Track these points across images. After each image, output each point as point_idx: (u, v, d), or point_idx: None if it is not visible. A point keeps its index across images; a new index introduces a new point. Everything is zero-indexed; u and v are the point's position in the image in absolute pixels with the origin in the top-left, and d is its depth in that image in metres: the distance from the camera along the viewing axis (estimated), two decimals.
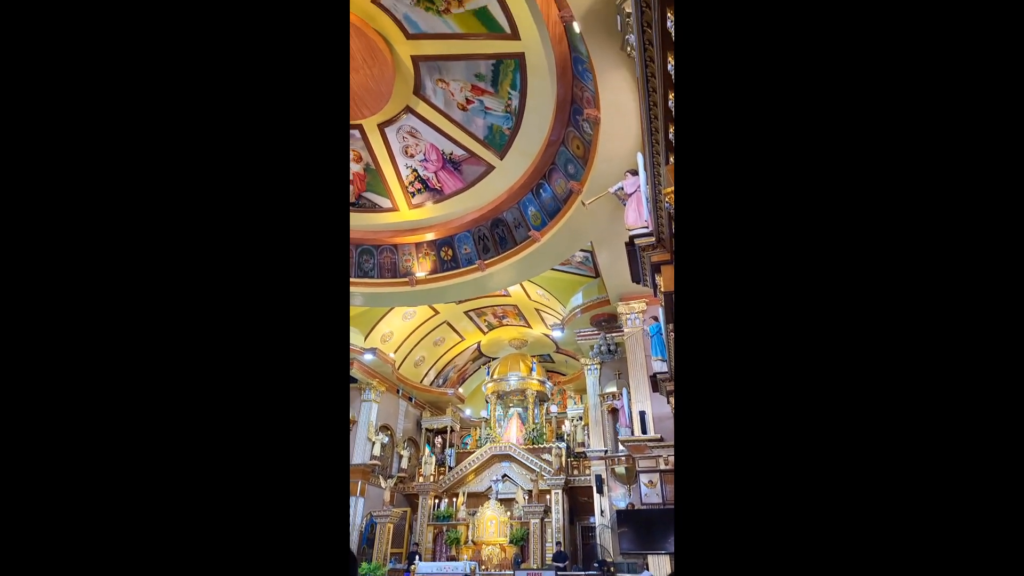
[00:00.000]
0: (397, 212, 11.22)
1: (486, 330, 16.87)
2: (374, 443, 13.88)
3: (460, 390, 18.44)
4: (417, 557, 11.93)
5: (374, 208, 11.16)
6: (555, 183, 9.54)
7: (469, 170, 10.23)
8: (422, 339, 15.90)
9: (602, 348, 12.26)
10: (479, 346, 17.73)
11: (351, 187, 10.66)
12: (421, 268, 11.73)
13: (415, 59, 8.20)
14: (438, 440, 15.66)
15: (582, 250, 10.89)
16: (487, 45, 7.79)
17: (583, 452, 12.96)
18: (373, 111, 8.93)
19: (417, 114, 9.22)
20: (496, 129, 9.23)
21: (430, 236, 11.50)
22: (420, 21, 7.58)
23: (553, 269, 11.68)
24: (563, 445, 13.36)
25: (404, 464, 15.37)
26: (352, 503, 12.84)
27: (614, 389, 12.05)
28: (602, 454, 11.69)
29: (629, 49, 5.95)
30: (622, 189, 6.07)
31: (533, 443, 14.47)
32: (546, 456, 13.33)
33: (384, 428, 14.90)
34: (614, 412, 11.79)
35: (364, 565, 11.64)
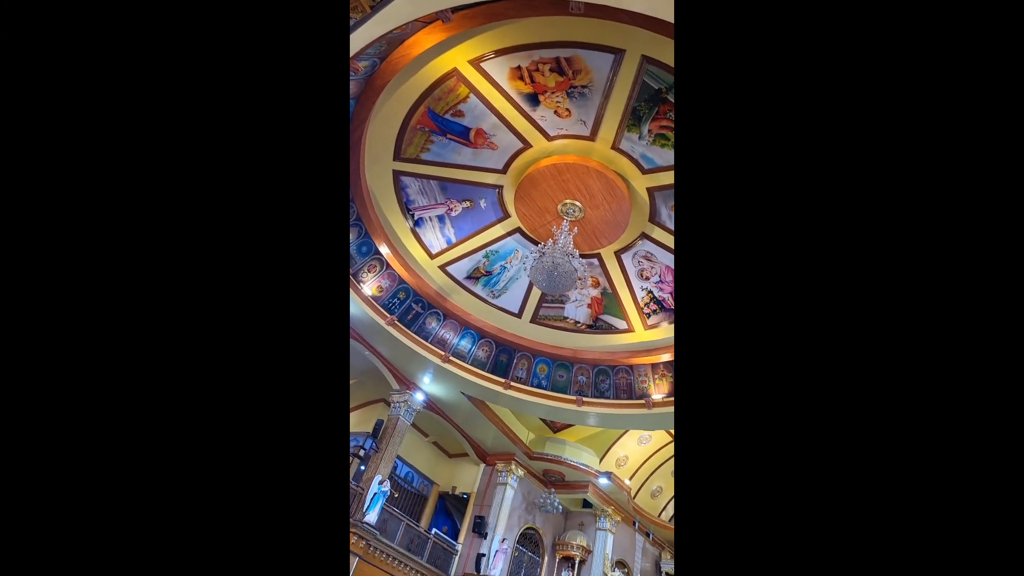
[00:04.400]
0: (633, 333, 11.37)
1: None
2: None
3: None
4: None
5: (610, 330, 11.54)
6: None
7: None
8: (658, 467, 14.89)
9: None
10: None
11: (589, 310, 11.32)
12: (658, 390, 11.37)
13: (650, 190, 8.76)
14: None
15: None
16: None
17: None
18: (611, 240, 9.64)
19: (652, 239, 9.60)
20: None
21: (666, 357, 11.22)
22: (655, 156, 8.20)
23: None
24: None
25: None
26: None
27: None
28: None
29: None
30: None
31: None
32: None
33: (620, 564, 13.85)
34: None
35: None
